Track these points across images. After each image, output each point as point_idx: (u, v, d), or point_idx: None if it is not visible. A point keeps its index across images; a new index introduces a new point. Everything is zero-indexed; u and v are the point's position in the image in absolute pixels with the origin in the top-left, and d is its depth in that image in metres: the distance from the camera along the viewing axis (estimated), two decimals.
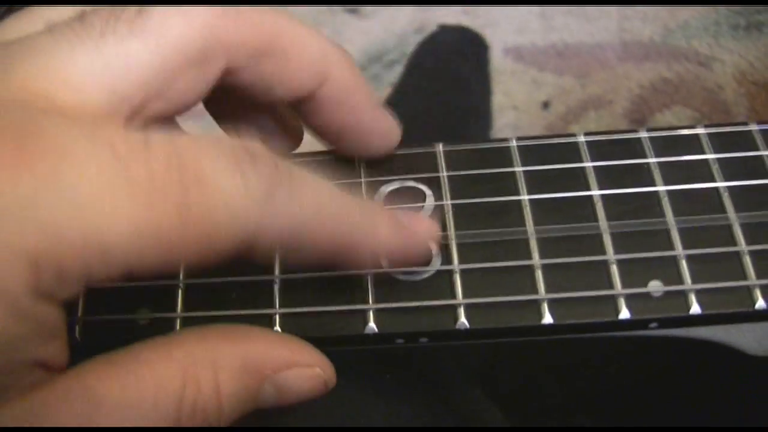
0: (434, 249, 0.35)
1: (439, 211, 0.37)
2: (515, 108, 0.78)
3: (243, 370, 0.31)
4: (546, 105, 0.78)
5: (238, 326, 0.33)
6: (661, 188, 0.37)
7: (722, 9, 0.80)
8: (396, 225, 0.33)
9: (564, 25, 0.83)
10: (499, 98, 0.78)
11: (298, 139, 0.41)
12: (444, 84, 0.70)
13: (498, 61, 0.81)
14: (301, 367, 0.32)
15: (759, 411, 0.41)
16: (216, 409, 0.30)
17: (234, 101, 0.36)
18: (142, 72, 0.30)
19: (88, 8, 0.31)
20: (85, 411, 0.27)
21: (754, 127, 0.40)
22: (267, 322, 0.35)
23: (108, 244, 0.25)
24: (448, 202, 0.37)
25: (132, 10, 0.30)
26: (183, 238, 0.26)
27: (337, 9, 0.87)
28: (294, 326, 0.35)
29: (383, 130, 0.38)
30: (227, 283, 0.36)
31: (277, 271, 0.36)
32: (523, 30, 0.83)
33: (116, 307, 0.35)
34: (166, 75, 0.30)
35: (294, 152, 0.39)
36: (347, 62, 0.35)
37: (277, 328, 0.35)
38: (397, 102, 0.72)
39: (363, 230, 0.31)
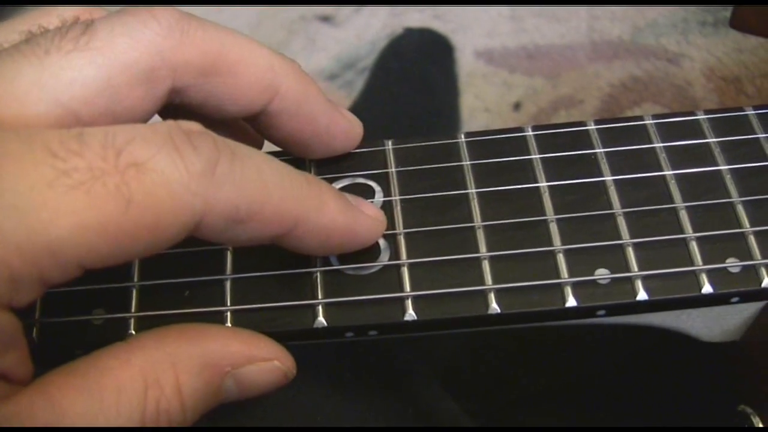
0: (382, 229, 0.36)
1: (387, 206, 0.37)
2: (487, 110, 0.78)
3: (203, 368, 0.31)
4: (517, 106, 0.79)
5: (196, 325, 0.33)
6: (608, 178, 0.38)
7: (690, 6, 0.81)
8: (345, 203, 0.33)
9: (534, 27, 0.83)
10: (470, 101, 0.79)
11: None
12: (409, 87, 0.71)
13: (469, 64, 0.81)
14: (260, 361, 0.32)
15: (716, 396, 0.41)
16: (179, 409, 0.30)
17: (190, 118, 0.36)
18: (87, 87, 0.30)
19: (36, 30, 0.32)
20: (49, 423, 0.27)
21: (701, 115, 0.40)
22: (219, 319, 0.35)
23: (55, 243, 0.25)
24: (396, 197, 0.38)
25: (78, 28, 0.31)
26: (130, 226, 0.26)
27: (310, 17, 0.88)
28: (245, 323, 0.35)
29: (343, 130, 0.38)
30: (180, 282, 0.36)
31: (229, 270, 0.36)
32: (494, 33, 0.83)
33: (72, 309, 0.36)
34: (112, 92, 0.31)
35: None
36: (296, 72, 0.36)
37: (229, 324, 0.35)
38: (363, 106, 0.72)
39: (311, 203, 0.32)
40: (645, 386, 0.46)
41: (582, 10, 0.83)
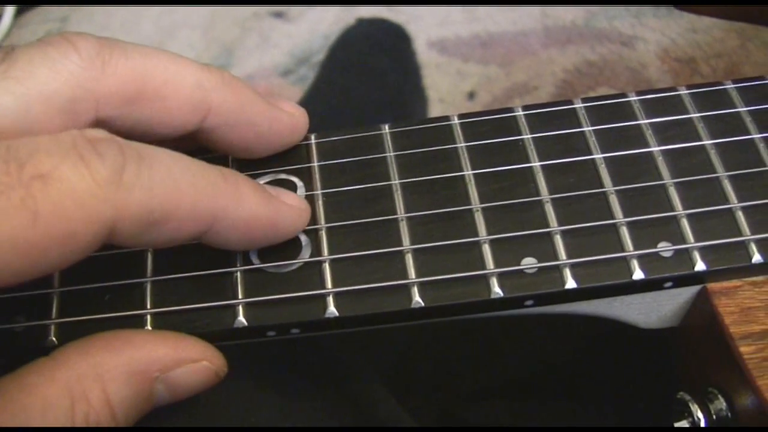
0: (306, 218, 0.35)
1: (309, 201, 0.37)
2: (441, 101, 0.77)
3: (130, 376, 0.31)
4: (471, 95, 0.78)
5: (120, 332, 0.32)
6: (535, 164, 0.37)
7: None
8: (264, 194, 0.33)
9: (487, 15, 0.82)
10: (425, 92, 0.78)
11: None
12: (357, 78, 0.70)
13: (422, 55, 0.80)
14: (188, 363, 0.32)
15: (656, 383, 0.41)
16: (110, 419, 0.30)
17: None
18: (3, 116, 0.30)
19: None
20: None
21: (632, 97, 0.39)
22: (139, 322, 0.34)
23: None
24: (318, 191, 0.37)
25: None
26: (39, 238, 0.26)
27: (263, 13, 0.87)
28: (165, 325, 0.34)
29: (287, 126, 0.38)
30: (101, 287, 0.36)
31: (149, 272, 0.36)
32: (446, 22, 0.83)
33: None
34: (30, 122, 0.30)
35: None
36: (227, 83, 0.35)
37: (149, 327, 0.34)
38: (311, 99, 0.71)
39: (228, 198, 0.31)
40: (585, 377, 0.45)
41: None
